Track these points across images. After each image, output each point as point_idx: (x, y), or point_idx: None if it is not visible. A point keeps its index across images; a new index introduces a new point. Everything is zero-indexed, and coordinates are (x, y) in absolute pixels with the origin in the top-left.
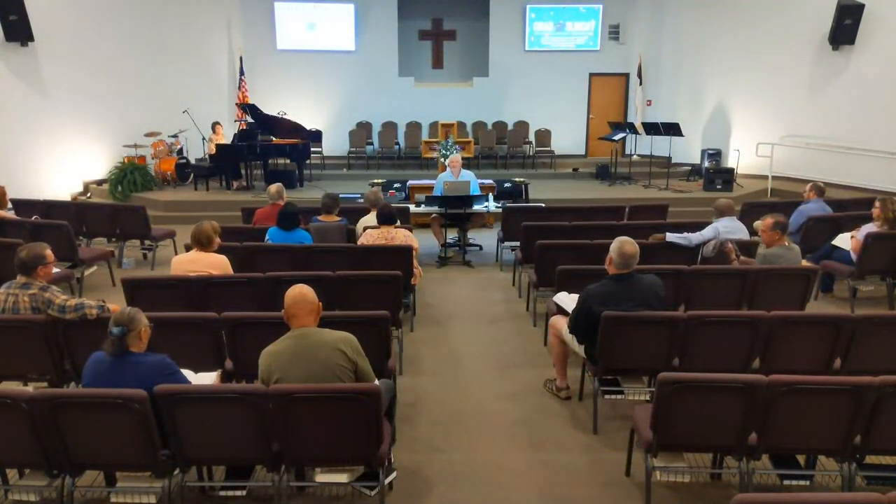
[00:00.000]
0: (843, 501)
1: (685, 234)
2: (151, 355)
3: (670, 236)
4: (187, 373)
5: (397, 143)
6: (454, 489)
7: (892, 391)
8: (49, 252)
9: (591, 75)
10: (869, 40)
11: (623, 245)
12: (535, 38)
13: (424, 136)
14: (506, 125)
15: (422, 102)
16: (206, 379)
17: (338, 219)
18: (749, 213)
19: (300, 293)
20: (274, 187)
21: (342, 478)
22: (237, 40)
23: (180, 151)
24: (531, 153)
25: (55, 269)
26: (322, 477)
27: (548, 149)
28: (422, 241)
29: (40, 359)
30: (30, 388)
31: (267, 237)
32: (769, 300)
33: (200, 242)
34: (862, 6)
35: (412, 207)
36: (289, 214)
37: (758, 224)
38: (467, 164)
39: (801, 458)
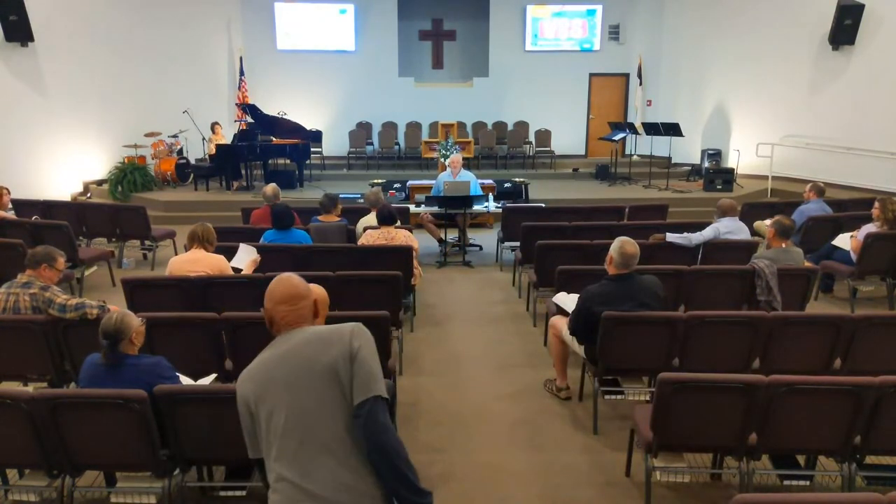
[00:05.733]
0: (843, 501)
1: (685, 234)
2: (147, 357)
3: (670, 236)
4: (186, 380)
5: (397, 144)
6: (454, 490)
7: (892, 391)
8: (62, 260)
9: (591, 75)
10: (869, 40)
11: (624, 245)
12: (535, 38)
13: (424, 137)
14: (506, 125)
15: (422, 102)
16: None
17: (338, 219)
18: (749, 213)
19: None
20: (269, 188)
21: None
22: (237, 41)
23: (180, 152)
24: (531, 153)
25: None
26: None
27: (548, 149)
28: (421, 242)
29: (40, 359)
30: (30, 388)
31: (262, 241)
32: None
33: (209, 241)
34: (862, 6)
35: (412, 207)
36: (281, 214)
37: (759, 224)
38: (467, 164)
39: (801, 458)
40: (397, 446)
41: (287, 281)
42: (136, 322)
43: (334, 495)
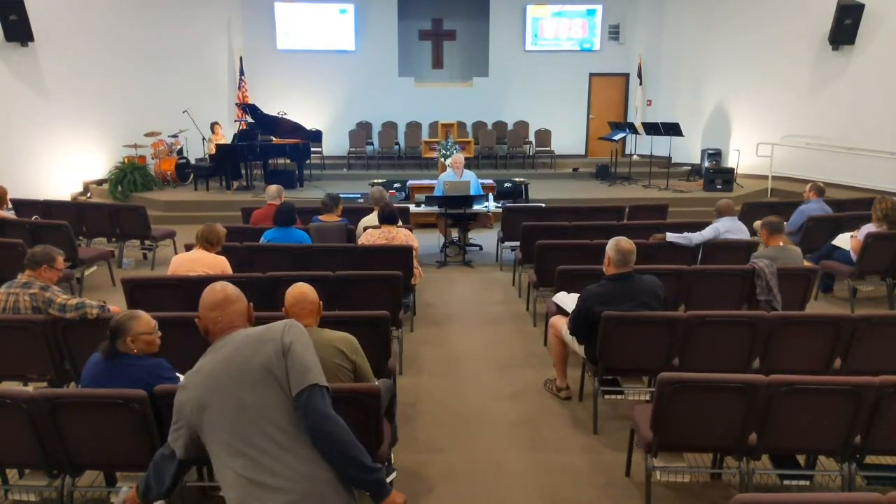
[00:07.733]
0: (843, 501)
1: (685, 234)
2: (149, 358)
3: (670, 236)
4: None
5: (397, 143)
6: (454, 489)
7: (892, 391)
8: (61, 259)
9: (591, 75)
10: (869, 40)
11: (619, 242)
12: (535, 37)
13: (424, 136)
14: (506, 125)
15: (422, 102)
16: None
17: (338, 218)
18: (749, 213)
19: (301, 292)
20: (273, 188)
21: None
22: (237, 40)
23: (180, 151)
24: (531, 153)
25: None
26: None
27: (548, 149)
28: (422, 241)
29: (40, 359)
30: (30, 388)
31: (263, 240)
32: None
33: (209, 241)
34: (862, 6)
35: (412, 207)
36: (285, 211)
37: (758, 224)
38: (467, 164)
39: (801, 458)
40: (339, 430)
41: (216, 287)
42: (142, 327)
43: (294, 486)
